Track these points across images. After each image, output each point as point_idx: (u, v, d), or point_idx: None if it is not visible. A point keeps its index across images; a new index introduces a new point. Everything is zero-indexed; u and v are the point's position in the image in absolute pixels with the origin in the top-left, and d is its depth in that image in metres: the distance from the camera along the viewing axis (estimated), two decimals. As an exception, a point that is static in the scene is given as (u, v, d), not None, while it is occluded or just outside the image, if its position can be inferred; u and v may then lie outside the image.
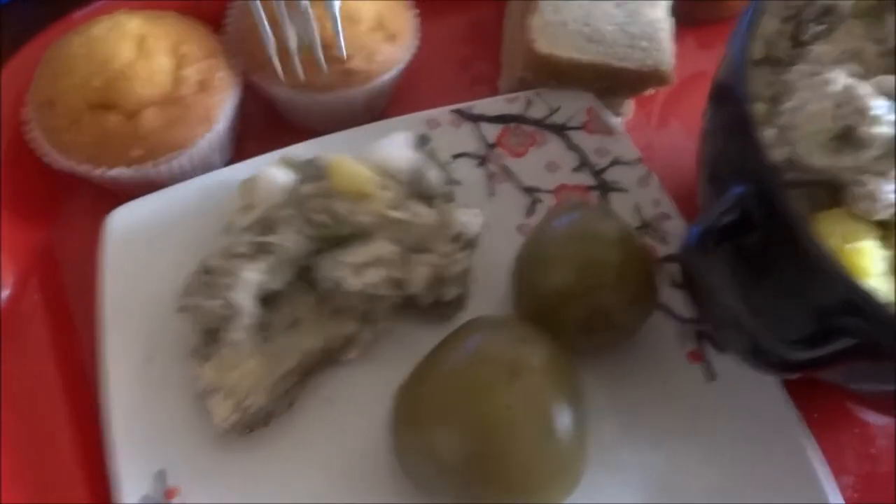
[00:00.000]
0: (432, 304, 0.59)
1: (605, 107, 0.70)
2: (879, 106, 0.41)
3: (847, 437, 0.64)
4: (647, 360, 0.61)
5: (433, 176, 0.60)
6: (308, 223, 0.54)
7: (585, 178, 0.68)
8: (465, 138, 0.69)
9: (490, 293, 0.62)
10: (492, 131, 0.70)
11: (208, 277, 0.53)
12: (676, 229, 0.65)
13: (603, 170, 0.68)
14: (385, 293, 0.54)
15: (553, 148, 0.69)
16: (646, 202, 0.66)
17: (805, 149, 0.43)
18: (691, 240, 0.45)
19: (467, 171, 0.68)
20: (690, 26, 0.79)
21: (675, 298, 0.62)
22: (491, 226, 0.66)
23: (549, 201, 0.67)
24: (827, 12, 0.49)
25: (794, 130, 0.43)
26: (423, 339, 0.57)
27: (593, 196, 0.67)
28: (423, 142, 0.58)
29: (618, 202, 0.67)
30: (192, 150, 0.62)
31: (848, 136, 0.41)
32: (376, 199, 0.54)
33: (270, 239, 0.53)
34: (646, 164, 0.71)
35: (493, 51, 0.78)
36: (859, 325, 0.42)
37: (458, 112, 0.70)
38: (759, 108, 0.47)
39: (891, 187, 0.42)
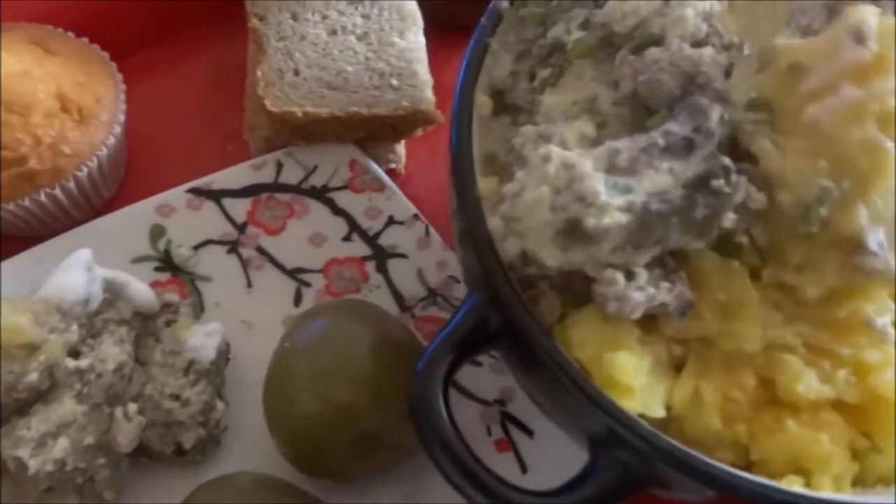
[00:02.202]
0: (175, 453, 0.48)
1: (371, 157, 0.59)
2: (604, 190, 0.32)
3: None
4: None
5: (138, 291, 0.48)
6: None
7: (358, 248, 0.57)
8: (208, 222, 0.57)
9: (254, 417, 0.51)
10: (240, 207, 0.58)
11: None
12: (468, 293, 0.56)
13: (377, 234, 0.58)
14: (81, 465, 0.42)
15: (316, 217, 0.58)
16: (429, 266, 0.57)
17: (534, 243, 0.34)
18: (419, 365, 0.36)
19: (216, 262, 0.57)
20: (461, 31, 0.69)
21: (475, 377, 0.54)
22: (252, 325, 0.55)
23: (318, 284, 0.56)
24: (555, 50, 0.39)
25: (517, 222, 0.34)
26: (177, 492, 0.47)
27: (370, 268, 0.57)
28: (86, 265, 0.46)
29: (399, 270, 0.57)
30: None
31: (574, 231, 0.32)
32: (46, 348, 0.42)
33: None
34: (435, 209, 0.61)
35: (244, 97, 0.66)
36: (626, 456, 0.33)
37: (196, 191, 0.58)
38: (488, 187, 0.38)
39: (637, 284, 0.33)
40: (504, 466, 0.51)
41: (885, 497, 0.33)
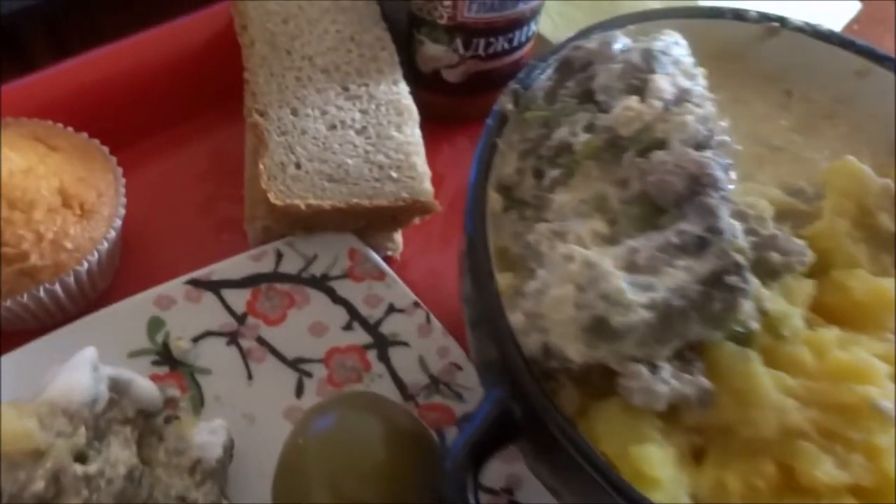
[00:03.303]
0: (179, 557, 0.46)
1: (369, 245, 0.60)
2: (628, 288, 0.34)
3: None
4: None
5: (143, 388, 0.47)
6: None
7: (359, 337, 0.58)
8: (207, 313, 0.57)
9: (257, 514, 0.50)
10: (240, 298, 0.58)
11: None
12: (471, 380, 0.56)
13: (378, 322, 0.58)
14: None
15: (316, 306, 0.58)
16: (430, 353, 0.57)
17: (558, 339, 0.35)
18: (448, 464, 0.36)
19: (215, 354, 0.56)
20: (457, 123, 0.73)
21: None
22: (254, 418, 0.55)
23: (320, 373, 0.56)
24: (562, 151, 0.42)
25: (541, 318, 0.35)
26: None
27: (371, 356, 0.57)
28: (92, 365, 0.45)
29: (400, 358, 0.57)
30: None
31: (600, 327, 0.34)
32: (52, 454, 0.41)
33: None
34: (432, 294, 0.62)
35: (239, 185, 0.67)
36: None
37: (195, 282, 0.58)
38: (505, 282, 0.39)
39: (661, 376, 0.35)
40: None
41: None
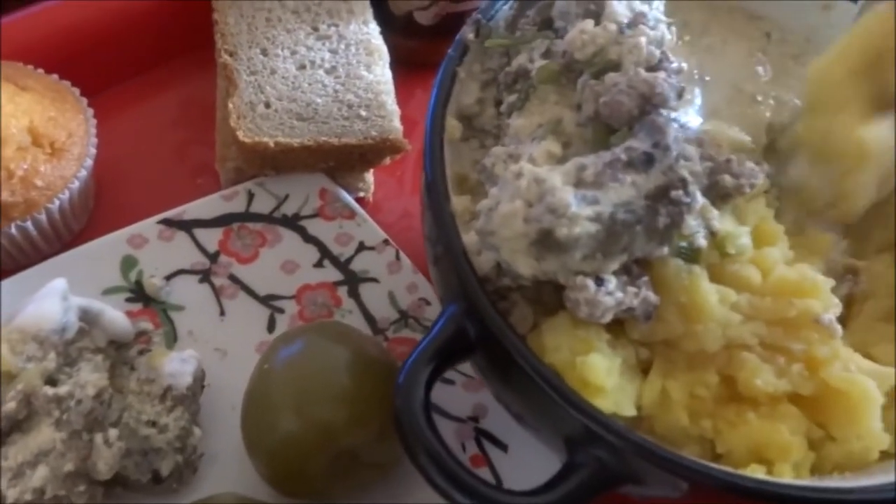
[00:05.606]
0: (152, 481, 0.47)
1: (341, 186, 0.61)
2: (573, 202, 0.34)
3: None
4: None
5: (114, 319, 0.48)
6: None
7: (330, 274, 0.59)
8: (180, 252, 0.58)
9: (229, 443, 0.51)
10: (212, 237, 0.59)
11: None
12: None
13: (349, 259, 0.59)
14: (61, 493, 0.42)
15: (288, 244, 0.59)
16: (400, 289, 0.58)
17: (508, 255, 0.36)
18: (400, 377, 0.37)
19: (188, 291, 0.57)
20: (429, 68, 0.72)
21: (447, 395, 0.55)
22: (226, 353, 0.56)
23: (291, 310, 0.57)
24: (519, 77, 0.42)
25: (492, 235, 0.36)
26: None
27: (342, 293, 0.58)
28: (62, 294, 0.46)
29: (370, 294, 0.58)
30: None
31: (547, 240, 0.35)
32: (23, 377, 0.42)
33: None
34: (405, 235, 0.63)
35: (212, 130, 0.67)
36: (602, 454, 0.35)
37: (168, 221, 0.58)
38: (460, 205, 0.40)
39: (607, 289, 0.36)
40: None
41: (838, 482, 0.36)
